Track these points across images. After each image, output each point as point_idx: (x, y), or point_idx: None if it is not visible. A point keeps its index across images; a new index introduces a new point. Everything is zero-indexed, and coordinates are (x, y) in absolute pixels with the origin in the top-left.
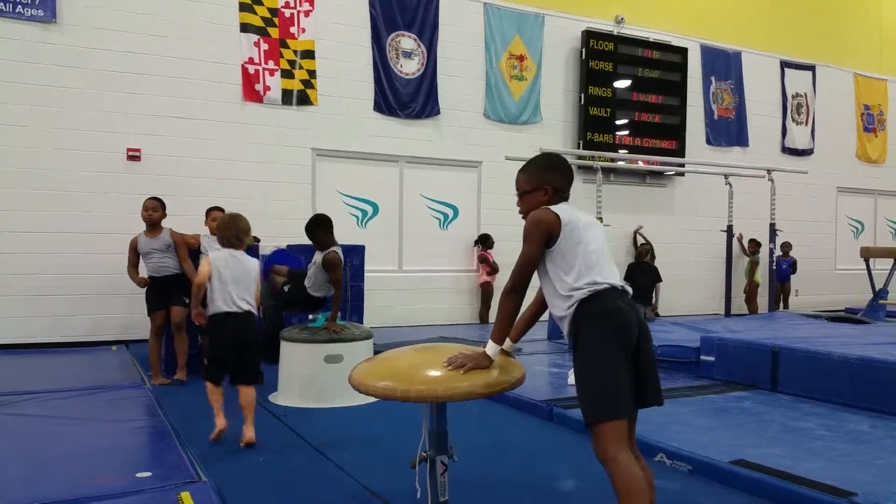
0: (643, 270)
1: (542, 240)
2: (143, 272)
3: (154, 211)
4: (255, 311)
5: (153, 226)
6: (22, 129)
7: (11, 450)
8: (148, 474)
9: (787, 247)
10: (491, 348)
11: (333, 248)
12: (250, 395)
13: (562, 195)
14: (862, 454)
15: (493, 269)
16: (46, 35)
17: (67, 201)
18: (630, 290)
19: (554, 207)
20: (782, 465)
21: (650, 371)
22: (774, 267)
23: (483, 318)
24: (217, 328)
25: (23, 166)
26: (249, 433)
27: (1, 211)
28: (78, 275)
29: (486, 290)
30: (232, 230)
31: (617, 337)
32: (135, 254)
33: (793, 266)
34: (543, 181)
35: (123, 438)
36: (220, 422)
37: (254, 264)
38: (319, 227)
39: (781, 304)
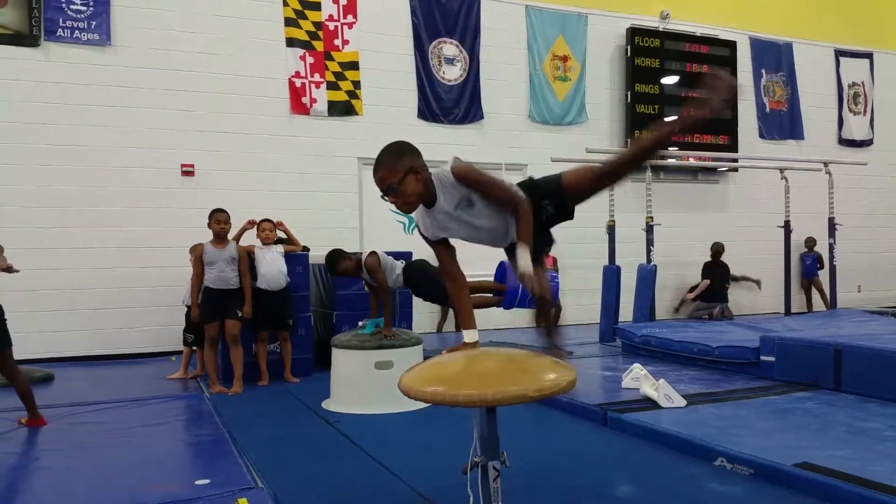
0: (722, 269)
1: None
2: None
3: (226, 223)
4: None
5: (223, 237)
6: (81, 148)
7: (77, 458)
8: (206, 481)
9: (811, 241)
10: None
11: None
12: None
13: (426, 169)
14: None
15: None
16: (102, 57)
17: (125, 217)
18: None
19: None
20: (850, 467)
21: None
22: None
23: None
24: None
25: (81, 184)
26: None
27: (60, 228)
28: (136, 288)
29: None
30: None
31: None
32: (201, 264)
33: (818, 261)
34: (407, 165)
35: (183, 446)
36: None
37: None
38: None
39: (827, 303)
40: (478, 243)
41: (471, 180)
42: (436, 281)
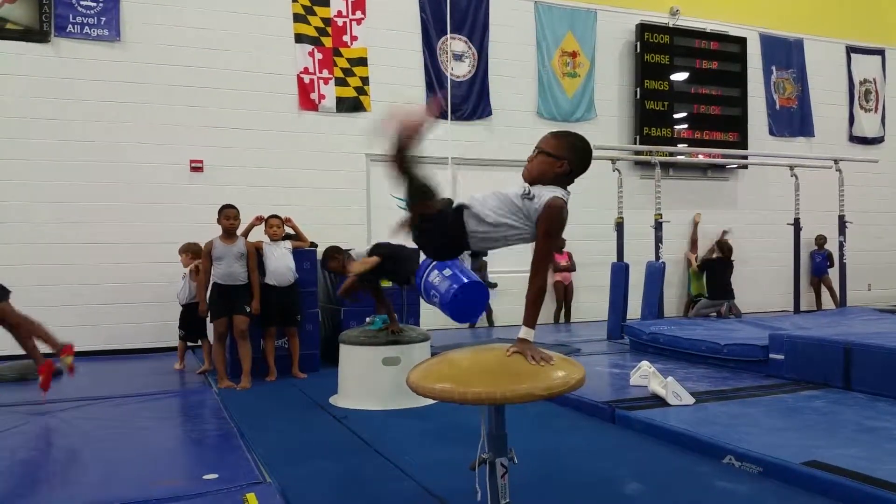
0: (727, 266)
1: None
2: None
3: (236, 219)
4: None
5: (232, 233)
6: (89, 144)
7: (84, 453)
8: (214, 476)
9: (821, 239)
10: (529, 334)
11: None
12: None
13: (570, 181)
14: None
15: (557, 269)
16: (112, 53)
17: (133, 212)
18: None
19: (564, 197)
20: (859, 466)
21: None
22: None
23: (556, 318)
24: None
25: (89, 179)
26: None
27: (67, 223)
28: (144, 283)
29: (554, 289)
30: None
31: None
32: (209, 259)
33: (828, 259)
34: (568, 156)
35: (190, 441)
36: None
37: None
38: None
39: (837, 301)
40: (474, 226)
41: (546, 220)
42: (405, 262)
